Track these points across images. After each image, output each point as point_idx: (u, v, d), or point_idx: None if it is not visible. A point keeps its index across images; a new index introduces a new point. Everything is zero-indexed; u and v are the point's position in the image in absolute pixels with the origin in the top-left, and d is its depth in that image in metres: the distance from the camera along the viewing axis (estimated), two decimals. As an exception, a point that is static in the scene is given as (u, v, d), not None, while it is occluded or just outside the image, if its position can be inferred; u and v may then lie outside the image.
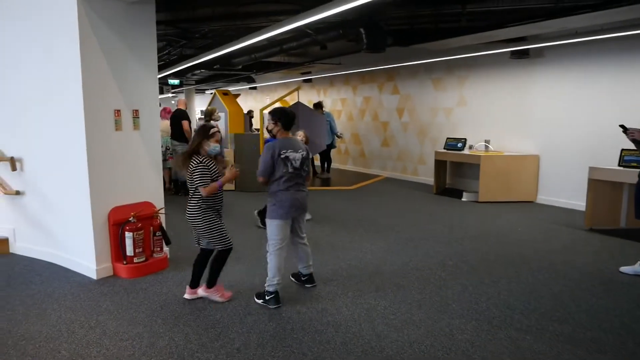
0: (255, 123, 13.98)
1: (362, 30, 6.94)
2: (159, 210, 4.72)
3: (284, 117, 3.88)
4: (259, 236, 5.79)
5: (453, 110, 9.88)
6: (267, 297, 3.80)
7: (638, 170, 5.88)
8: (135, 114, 4.59)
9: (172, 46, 10.78)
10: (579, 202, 7.56)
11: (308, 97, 14.26)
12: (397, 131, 11.38)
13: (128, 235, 4.33)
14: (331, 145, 10.95)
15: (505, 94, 8.75)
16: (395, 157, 11.51)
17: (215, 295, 3.89)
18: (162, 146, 9.30)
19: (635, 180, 5.81)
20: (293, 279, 4.35)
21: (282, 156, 3.75)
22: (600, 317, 3.66)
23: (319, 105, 10.75)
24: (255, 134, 9.59)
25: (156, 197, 4.82)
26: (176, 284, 4.30)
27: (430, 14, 6.86)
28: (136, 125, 4.59)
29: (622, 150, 6.31)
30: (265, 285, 3.82)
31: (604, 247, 5.62)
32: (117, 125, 4.44)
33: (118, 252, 4.40)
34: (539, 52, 8.08)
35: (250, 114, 15.49)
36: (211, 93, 11.91)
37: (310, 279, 4.23)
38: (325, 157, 11.13)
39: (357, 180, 10.97)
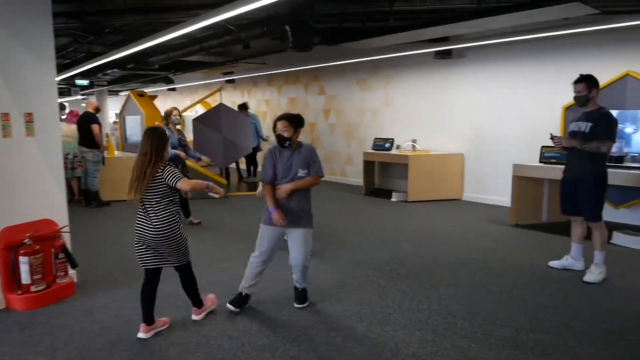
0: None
1: (287, 27, 6.63)
2: (62, 228, 4.11)
3: (302, 123, 3.73)
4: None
5: (379, 111, 9.86)
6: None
7: (559, 166, 6.10)
8: (29, 118, 3.95)
9: (79, 42, 9.84)
10: (502, 198, 7.76)
11: (232, 99, 13.74)
12: (324, 132, 11.21)
13: (23, 260, 3.69)
14: (257, 148, 10.55)
15: (430, 94, 8.84)
16: (322, 159, 11.30)
17: (210, 307, 3.67)
18: (69, 153, 8.46)
19: (556, 176, 6.03)
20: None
21: None
22: (540, 317, 3.61)
23: (243, 107, 10.32)
24: (175, 137, 8.97)
25: (58, 213, 4.19)
26: (85, 313, 3.73)
27: (358, 13, 6.70)
28: (30, 131, 3.95)
29: (542, 147, 6.51)
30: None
31: (531, 242, 5.73)
32: (6, 131, 3.78)
33: (10, 280, 3.74)
34: (461, 53, 8.22)
35: (169, 116, 14.65)
36: (126, 95, 11.05)
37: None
38: (251, 160, 10.71)
39: (285, 183, 10.66)
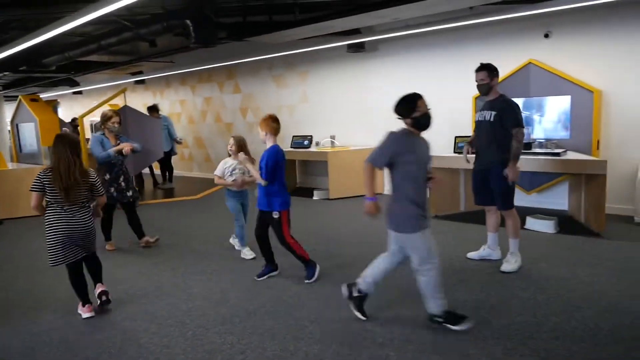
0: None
1: (189, 22, 6.18)
2: None
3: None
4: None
5: (296, 107, 9.61)
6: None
7: (472, 156, 6.15)
8: None
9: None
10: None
11: (143, 100, 12.92)
12: (243, 132, 10.78)
13: None
14: (171, 152, 9.93)
15: (345, 89, 8.71)
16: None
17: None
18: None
19: (471, 166, 6.07)
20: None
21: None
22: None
23: (154, 109, 9.68)
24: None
25: None
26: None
27: (263, 5, 6.38)
28: None
29: (456, 137, 6.55)
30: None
31: (449, 233, 5.72)
32: None
33: None
34: (374, 46, 8.14)
35: (74, 122, 13.57)
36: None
37: None
38: (166, 165, 10.07)
39: (204, 187, 10.13)
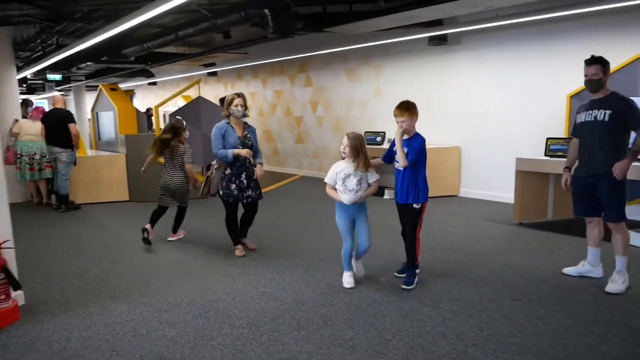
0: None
1: (267, 11, 6.03)
2: (2, 243, 3.50)
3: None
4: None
5: (369, 102, 9.29)
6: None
7: (565, 159, 5.59)
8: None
9: (46, 33, 9.15)
10: (502, 194, 7.25)
11: (214, 92, 13.09)
12: (312, 126, 10.62)
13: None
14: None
15: (423, 83, 8.27)
16: (311, 154, 10.75)
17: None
18: (35, 153, 7.80)
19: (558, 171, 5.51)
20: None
21: None
22: (562, 339, 3.08)
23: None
24: (153, 134, 8.33)
25: (-3, 225, 3.59)
26: (25, 346, 3.13)
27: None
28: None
29: (548, 139, 5.99)
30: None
31: (538, 243, 5.21)
32: None
33: None
34: (457, 39, 7.66)
35: (149, 112, 13.99)
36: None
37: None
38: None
39: (271, 181, 10.07)
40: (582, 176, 3.98)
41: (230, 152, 4.57)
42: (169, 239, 5.66)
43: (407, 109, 3.84)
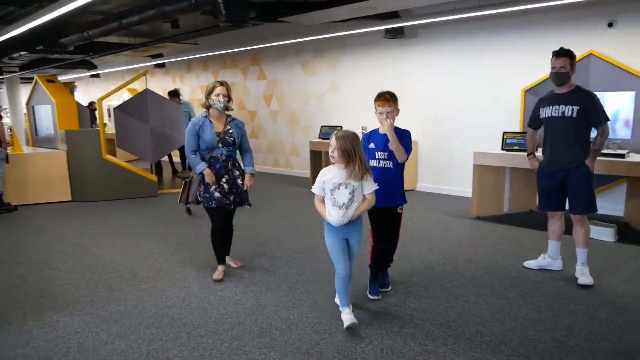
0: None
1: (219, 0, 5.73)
2: None
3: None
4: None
5: (325, 96, 9.14)
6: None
7: (521, 153, 5.66)
8: None
9: (-28, 19, 8.37)
10: (459, 188, 7.31)
11: (162, 85, 12.55)
12: (266, 120, 10.36)
13: None
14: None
15: (380, 77, 8.20)
16: (265, 149, 10.49)
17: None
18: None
19: (520, 165, 5.57)
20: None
21: None
22: (530, 335, 3.04)
23: (175, 94, 9.27)
24: (96, 130, 7.80)
25: None
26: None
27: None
28: None
29: (504, 133, 6.04)
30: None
31: (497, 237, 5.23)
32: None
33: None
34: (413, 32, 7.62)
35: (92, 106, 13.24)
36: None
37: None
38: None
39: (225, 177, 9.73)
40: (554, 170, 3.93)
41: (200, 168, 3.79)
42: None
43: (393, 98, 3.47)
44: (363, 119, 8.38)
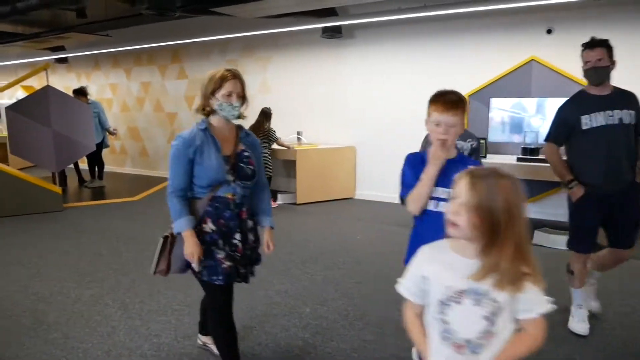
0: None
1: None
2: None
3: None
4: None
5: (255, 98, 8.46)
6: None
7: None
8: None
9: None
10: (393, 195, 7.03)
11: (65, 83, 11.13)
12: (188, 124, 9.46)
13: None
14: (102, 145, 8.41)
15: (316, 79, 7.73)
16: (187, 155, 9.58)
17: None
18: None
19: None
20: None
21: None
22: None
23: (81, 92, 8.15)
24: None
25: None
26: None
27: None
28: None
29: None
30: None
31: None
32: None
33: None
34: (350, 32, 7.23)
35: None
36: None
37: None
38: (96, 159, 8.52)
39: (141, 187, 8.72)
40: (607, 194, 3.01)
41: (181, 225, 2.25)
42: None
43: (462, 102, 2.05)
44: (297, 123, 7.86)
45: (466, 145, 3.17)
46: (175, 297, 3.65)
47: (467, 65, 6.36)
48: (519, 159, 5.40)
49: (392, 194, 7.20)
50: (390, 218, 6.25)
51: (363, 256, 4.67)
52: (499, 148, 6.00)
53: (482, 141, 5.63)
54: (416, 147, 7.31)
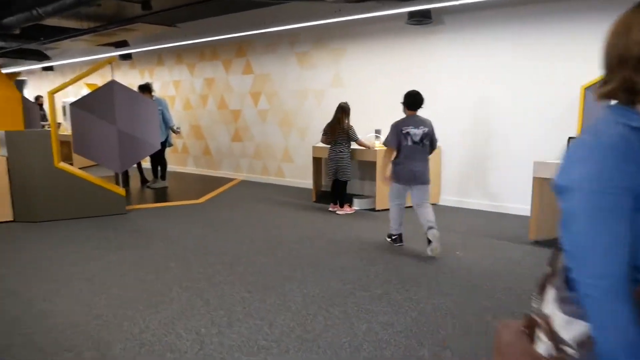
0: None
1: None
2: None
3: (405, 98, 4.63)
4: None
5: (326, 93, 7.83)
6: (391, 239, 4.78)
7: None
8: None
9: None
10: (492, 203, 6.18)
11: (129, 80, 10.93)
12: (253, 121, 8.96)
13: None
14: (166, 143, 8.03)
15: (397, 71, 6.96)
16: (251, 154, 9.09)
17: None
18: None
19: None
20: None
21: (404, 132, 4.50)
22: None
23: (146, 88, 7.80)
24: (46, 131, 6.21)
25: None
26: None
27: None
28: None
29: (569, 138, 4.90)
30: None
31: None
32: None
33: None
34: (440, 18, 6.42)
35: (38, 100, 11.49)
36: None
37: (429, 230, 4.40)
38: (159, 159, 8.16)
39: (205, 188, 8.28)
40: None
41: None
42: (332, 209, 6.26)
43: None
44: (374, 121, 7.10)
45: (418, 132, 4.53)
46: (260, 329, 3.02)
47: (583, 54, 5.41)
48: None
49: (481, 200, 6.36)
50: (489, 229, 5.41)
51: (475, 278, 3.88)
52: None
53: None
54: (518, 149, 6.20)
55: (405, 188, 4.58)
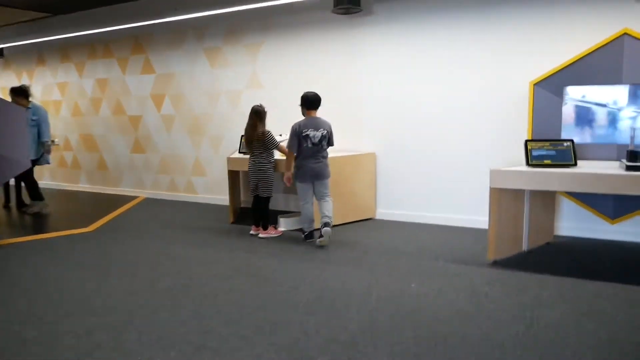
0: None
1: None
2: None
3: (302, 100, 4.78)
4: None
5: (242, 95, 6.81)
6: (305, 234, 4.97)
7: (555, 170, 3.96)
8: None
9: None
10: (429, 214, 5.55)
11: (2, 82, 9.17)
12: (157, 129, 7.70)
13: None
14: (37, 160, 6.52)
15: (322, 68, 6.11)
16: (156, 168, 7.81)
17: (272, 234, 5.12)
18: None
19: (547, 187, 3.88)
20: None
21: (304, 134, 4.70)
22: None
23: (21, 93, 6.34)
24: None
25: None
26: None
27: None
28: None
29: (527, 142, 4.29)
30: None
31: (550, 296, 3.38)
32: None
33: None
34: (369, 7, 5.66)
35: None
36: None
37: (323, 227, 4.70)
38: (25, 178, 6.48)
39: (99, 210, 6.90)
40: None
41: None
42: (254, 233, 5.30)
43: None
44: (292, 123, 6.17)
45: (317, 134, 4.71)
46: None
47: (531, 47, 4.89)
48: (628, 168, 3.87)
49: (422, 212, 5.68)
50: (441, 249, 4.69)
51: (442, 325, 3.05)
52: (585, 152, 4.51)
53: (566, 144, 4.15)
54: (450, 151, 5.36)
55: (310, 185, 4.80)
